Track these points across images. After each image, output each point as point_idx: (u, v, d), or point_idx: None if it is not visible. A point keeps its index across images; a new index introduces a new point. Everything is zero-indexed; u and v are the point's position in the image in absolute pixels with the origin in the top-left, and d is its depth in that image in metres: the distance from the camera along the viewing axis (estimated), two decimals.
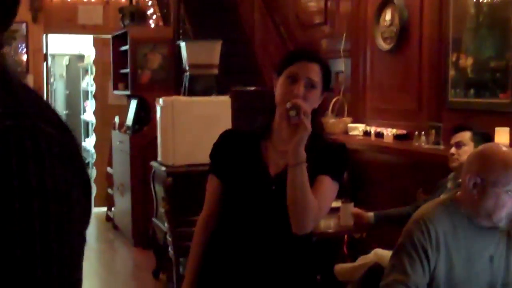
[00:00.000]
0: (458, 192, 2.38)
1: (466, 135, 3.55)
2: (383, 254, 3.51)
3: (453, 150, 3.57)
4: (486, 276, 2.30)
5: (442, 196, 2.49)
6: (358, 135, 5.21)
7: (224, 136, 2.33)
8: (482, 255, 2.31)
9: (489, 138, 3.61)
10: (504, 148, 2.34)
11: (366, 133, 5.14)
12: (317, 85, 2.17)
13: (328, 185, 2.15)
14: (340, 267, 3.72)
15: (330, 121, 5.44)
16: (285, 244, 2.20)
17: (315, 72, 2.17)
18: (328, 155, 2.21)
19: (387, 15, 5.02)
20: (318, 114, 2.30)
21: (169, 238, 4.33)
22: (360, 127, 5.24)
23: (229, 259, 2.25)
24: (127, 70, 7.08)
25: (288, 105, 2.05)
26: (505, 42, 3.88)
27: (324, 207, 2.16)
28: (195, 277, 2.32)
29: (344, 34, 5.57)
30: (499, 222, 2.25)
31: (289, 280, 2.23)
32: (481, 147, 2.44)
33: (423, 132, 4.44)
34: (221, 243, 2.29)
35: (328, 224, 4.04)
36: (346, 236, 4.65)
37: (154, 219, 5.67)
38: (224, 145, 2.31)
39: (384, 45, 5.07)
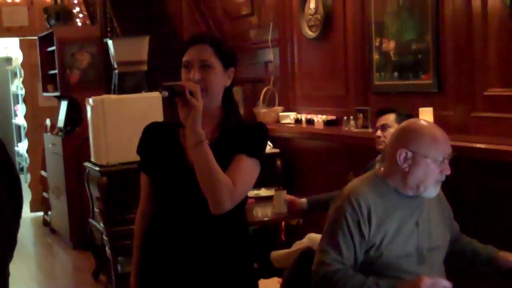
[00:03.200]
0: (382, 168, 2.47)
1: (390, 117, 3.63)
2: (316, 238, 3.56)
3: (379, 132, 3.65)
4: (414, 241, 2.42)
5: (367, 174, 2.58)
6: (290, 123, 5.27)
7: (146, 131, 2.36)
8: (409, 221, 2.43)
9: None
10: (425, 122, 2.51)
11: (298, 121, 5.19)
12: (213, 64, 2.20)
13: (244, 162, 2.17)
14: (276, 254, 3.77)
15: (262, 111, 5.48)
16: (216, 227, 2.23)
17: (206, 52, 2.20)
18: (245, 134, 2.23)
19: (312, 3, 5.08)
20: (232, 92, 2.32)
21: (105, 238, 4.29)
22: (291, 115, 5.29)
23: (163, 249, 2.28)
24: (56, 71, 6.96)
25: (163, 94, 2.08)
26: (425, 24, 3.97)
27: (241, 184, 2.16)
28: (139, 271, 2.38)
29: (271, 24, 5.62)
30: (425, 190, 2.39)
31: (224, 265, 2.26)
32: (404, 123, 2.56)
33: (351, 117, 4.52)
34: (157, 236, 2.31)
35: (265, 213, 4.08)
36: (283, 223, 4.70)
37: (90, 220, 5.60)
38: (146, 139, 2.34)
39: (310, 33, 5.13)
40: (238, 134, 2.23)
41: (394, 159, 2.41)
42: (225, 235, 2.26)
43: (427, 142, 2.38)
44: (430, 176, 2.38)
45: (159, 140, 2.31)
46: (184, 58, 2.22)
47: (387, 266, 2.36)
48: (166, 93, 2.06)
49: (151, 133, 2.34)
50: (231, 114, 2.29)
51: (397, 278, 2.34)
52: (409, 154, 2.39)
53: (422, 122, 2.53)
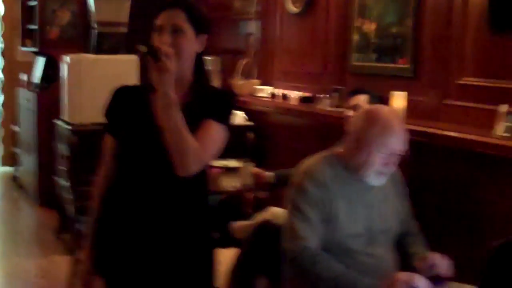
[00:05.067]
0: (340, 148, 2.48)
1: (363, 98, 3.62)
2: (277, 211, 3.58)
3: (350, 112, 3.64)
4: (366, 223, 2.42)
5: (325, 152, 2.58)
6: (266, 97, 5.24)
7: (115, 93, 2.32)
8: (362, 202, 2.43)
9: (385, 101, 3.71)
10: (388, 112, 2.47)
11: (273, 96, 5.18)
12: (185, 28, 2.18)
13: (213, 128, 2.17)
14: (236, 225, 3.77)
15: (239, 83, 5.45)
16: (179, 192, 2.22)
17: (178, 17, 2.18)
18: (213, 100, 2.24)
19: None
20: (203, 59, 2.31)
21: (69, 197, 4.27)
22: (268, 89, 5.27)
23: (126, 213, 2.26)
24: (36, 27, 6.87)
25: (141, 48, 2.05)
26: (406, 8, 3.96)
27: (208, 148, 2.17)
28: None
29: None
30: (365, 177, 2.37)
31: (181, 230, 2.26)
32: (369, 106, 2.55)
33: (327, 95, 4.52)
34: (118, 199, 2.29)
35: (231, 183, 4.09)
36: (251, 196, 4.70)
37: (56, 178, 5.57)
38: (115, 101, 2.31)
39: (293, 8, 5.10)
40: (208, 99, 2.23)
41: (347, 139, 2.45)
42: (185, 201, 2.26)
43: (377, 131, 2.38)
44: (370, 164, 2.38)
45: (128, 103, 2.28)
46: (156, 22, 2.20)
47: (337, 245, 2.36)
48: (145, 48, 2.04)
49: (120, 95, 2.31)
50: (201, 80, 2.29)
51: (347, 257, 2.34)
52: (358, 136, 2.41)
53: (384, 111, 2.49)
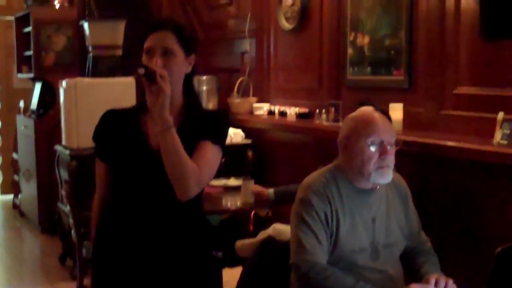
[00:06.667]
0: (337, 161, 2.50)
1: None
2: (281, 228, 3.57)
3: None
4: (369, 237, 2.42)
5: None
6: (263, 115, 5.26)
7: (104, 117, 2.34)
8: (365, 217, 2.43)
9: (388, 114, 3.72)
10: (366, 110, 2.51)
11: (271, 112, 5.19)
12: (175, 51, 2.20)
13: (209, 149, 2.19)
14: (240, 243, 3.77)
15: (236, 101, 5.46)
16: (175, 215, 2.23)
17: (169, 39, 2.20)
18: (209, 121, 2.26)
19: None
20: (192, 79, 2.35)
21: (71, 222, 4.26)
22: (265, 107, 5.29)
23: (123, 235, 2.27)
24: (31, 53, 6.90)
25: (140, 70, 2.07)
26: (399, 20, 3.98)
27: (206, 170, 2.18)
28: None
29: (249, 15, 5.60)
30: (369, 177, 2.37)
31: (184, 253, 2.27)
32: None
33: (323, 110, 4.53)
34: (116, 223, 2.29)
35: (233, 202, 4.09)
36: (252, 214, 4.70)
37: (59, 204, 5.57)
38: (104, 126, 2.32)
39: (287, 25, 5.13)
40: (202, 121, 2.25)
41: (339, 149, 2.47)
42: (185, 222, 2.27)
43: (360, 127, 2.41)
44: (368, 161, 2.38)
45: (118, 127, 2.29)
46: (146, 44, 2.22)
47: (340, 259, 2.36)
48: (143, 70, 2.06)
49: (110, 119, 2.33)
50: (192, 101, 2.30)
51: (352, 272, 2.33)
52: (346, 141, 2.45)
53: (363, 109, 2.53)
